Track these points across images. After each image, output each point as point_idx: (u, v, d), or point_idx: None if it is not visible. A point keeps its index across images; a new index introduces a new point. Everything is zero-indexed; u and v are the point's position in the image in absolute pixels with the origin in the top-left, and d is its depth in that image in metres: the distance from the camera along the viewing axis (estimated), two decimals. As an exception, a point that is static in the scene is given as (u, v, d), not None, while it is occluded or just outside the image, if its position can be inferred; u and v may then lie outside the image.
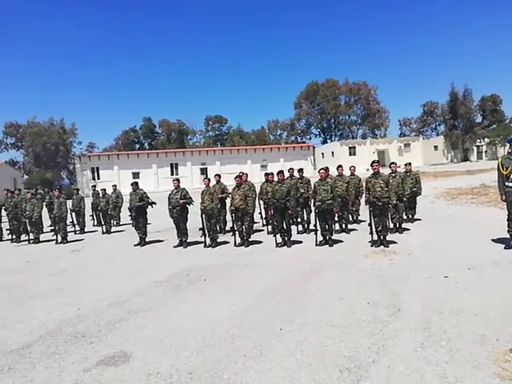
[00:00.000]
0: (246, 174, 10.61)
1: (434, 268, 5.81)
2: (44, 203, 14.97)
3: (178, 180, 9.33)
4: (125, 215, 13.93)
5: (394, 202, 7.71)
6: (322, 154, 47.69)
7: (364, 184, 8.28)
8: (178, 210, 9.10)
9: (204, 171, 43.36)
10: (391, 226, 8.54)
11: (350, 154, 43.35)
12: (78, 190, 14.67)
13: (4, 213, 12.83)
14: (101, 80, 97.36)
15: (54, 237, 11.73)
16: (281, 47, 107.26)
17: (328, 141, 63.44)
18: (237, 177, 8.80)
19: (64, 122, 50.11)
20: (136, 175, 42.09)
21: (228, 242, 9.13)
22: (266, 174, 10.16)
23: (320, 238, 8.14)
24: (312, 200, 8.48)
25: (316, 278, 5.77)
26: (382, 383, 2.97)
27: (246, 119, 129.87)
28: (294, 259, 7.09)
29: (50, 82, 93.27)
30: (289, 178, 10.25)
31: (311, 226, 9.53)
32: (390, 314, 4.23)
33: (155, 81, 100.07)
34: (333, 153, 44.89)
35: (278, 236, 8.40)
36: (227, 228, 10.22)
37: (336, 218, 9.28)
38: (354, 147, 44.51)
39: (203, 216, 8.90)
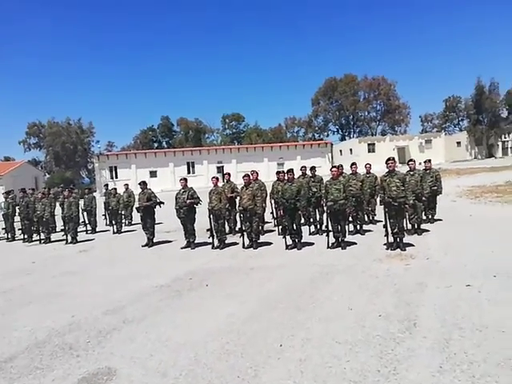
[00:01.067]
0: (257, 173, 10.26)
1: (455, 275, 5.31)
2: (58, 203, 15.01)
3: (185, 179, 9.05)
4: (137, 214, 13.76)
5: (411, 201, 7.20)
6: (340, 151, 46.81)
7: (379, 182, 7.80)
8: (185, 210, 8.81)
9: (220, 169, 43.13)
10: (409, 227, 8.02)
11: (369, 151, 42.35)
12: (90, 189, 14.63)
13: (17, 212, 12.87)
14: (121, 80, 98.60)
15: (65, 237, 11.66)
16: (298, 43, 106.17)
17: (346, 138, 62.37)
18: (245, 176, 8.44)
19: (82, 121, 50.87)
20: (153, 174, 42.29)
21: (237, 244, 8.79)
22: (278, 173, 9.79)
23: (332, 239, 7.71)
24: (324, 200, 8.04)
25: (324, 285, 5.36)
26: (390, 417, 2.56)
27: (264, 117, 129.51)
28: (303, 263, 6.68)
29: (71, 82, 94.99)
30: (300, 177, 9.84)
31: (324, 227, 9.09)
32: (405, 329, 3.80)
33: (173, 79, 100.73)
34: (351, 150, 44.00)
35: (288, 238, 8.01)
36: (237, 228, 9.90)
37: (350, 219, 8.83)
38: (373, 144, 43.48)
39: (211, 216, 8.59)
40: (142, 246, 9.70)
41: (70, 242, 11.33)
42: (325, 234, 7.94)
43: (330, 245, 7.65)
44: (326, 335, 3.79)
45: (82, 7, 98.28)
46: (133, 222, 14.65)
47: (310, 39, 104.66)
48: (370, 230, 9.20)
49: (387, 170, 7.26)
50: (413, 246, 7.22)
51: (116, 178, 42.04)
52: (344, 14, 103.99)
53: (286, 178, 8.19)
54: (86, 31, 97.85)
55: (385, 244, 7.26)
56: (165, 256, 8.47)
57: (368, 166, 10.00)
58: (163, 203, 9.84)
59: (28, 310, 5.38)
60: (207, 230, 8.70)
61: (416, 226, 8.42)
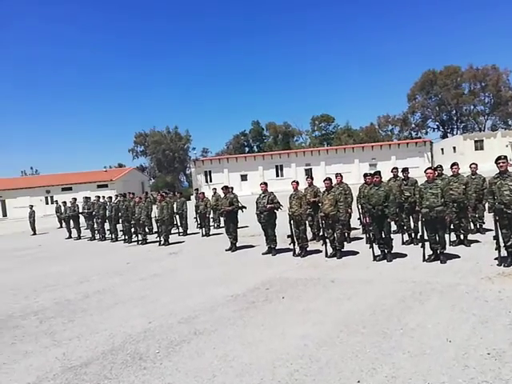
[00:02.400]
0: (341, 176, 9.61)
1: None
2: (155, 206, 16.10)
3: (265, 184, 8.84)
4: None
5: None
6: (442, 149, 42.63)
7: (488, 186, 6.61)
8: (266, 215, 8.59)
9: (309, 172, 42.55)
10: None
11: (476, 149, 37.77)
12: (181, 193, 15.40)
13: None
14: (215, 87, 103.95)
15: (158, 238, 12.36)
16: (389, 36, 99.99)
17: (448, 135, 56.70)
18: (326, 179, 7.90)
19: (178, 129, 54.66)
20: (244, 177, 43.54)
21: (320, 252, 8.28)
22: (365, 175, 9.01)
23: (429, 251, 6.75)
24: (418, 206, 7.10)
25: (417, 308, 4.59)
26: None
27: (354, 116, 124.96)
28: (393, 278, 5.91)
29: (171, 92, 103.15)
30: (391, 180, 8.93)
31: (419, 236, 8.07)
32: (523, 376, 2.96)
33: (265, 84, 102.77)
34: (454, 148, 39.75)
35: (376, 247, 7.25)
36: (321, 234, 9.36)
37: (452, 227, 7.69)
38: (482, 141, 38.66)
39: (291, 222, 8.23)
40: (226, 250, 9.75)
41: (163, 244, 11.96)
42: (420, 245, 7.00)
43: (426, 257, 6.70)
44: (415, 374, 3.14)
45: (172, 19, 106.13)
46: (221, 225, 15.01)
47: (404, 30, 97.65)
48: (476, 241, 7.92)
49: (498, 171, 6.09)
50: (534, 262, 5.93)
51: (210, 181, 44.18)
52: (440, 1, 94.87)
53: (372, 181, 7.44)
54: (178, 43, 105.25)
55: (496, 259, 6.10)
56: (246, 262, 8.34)
57: (474, 166, 8.66)
58: (245, 208, 9.78)
59: (113, 312, 5.63)
60: (288, 237, 8.36)
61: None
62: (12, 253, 13.81)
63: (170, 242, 12.16)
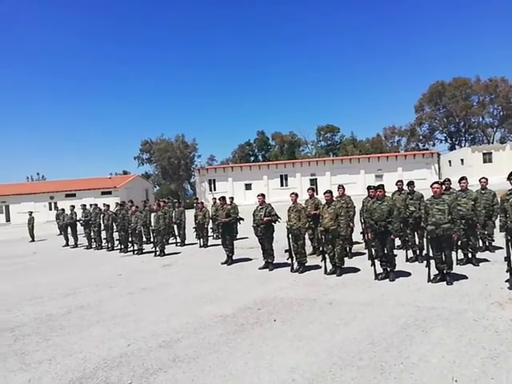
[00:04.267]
0: (343, 188, 9.21)
1: None
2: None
3: (262, 195, 8.47)
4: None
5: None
6: (449, 161, 42.02)
7: (499, 202, 6.18)
8: (263, 228, 8.20)
9: (313, 182, 42.13)
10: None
11: (485, 162, 37.14)
12: (179, 202, 15.03)
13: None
14: (223, 97, 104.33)
15: (154, 249, 12.00)
16: (397, 46, 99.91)
17: (456, 147, 56.03)
18: (326, 192, 7.51)
19: (185, 137, 54.55)
20: (248, 186, 43.18)
21: (319, 267, 7.86)
22: (369, 188, 8.63)
23: (434, 271, 6.30)
24: (424, 223, 6.67)
25: (420, 337, 4.15)
26: None
27: (360, 127, 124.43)
28: (395, 301, 5.47)
29: (178, 101, 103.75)
30: (396, 193, 8.51)
31: (424, 254, 7.62)
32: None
33: (270, 94, 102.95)
34: (462, 160, 39.15)
35: (378, 265, 6.81)
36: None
37: (459, 244, 7.24)
38: (490, 153, 38.04)
39: (289, 236, 7.83)
40: (222, 264, 9.35)
41: (158, 255, 11.60)
42: (425, 264, 6.56)
43: (431, 278, 6.26)
44: (416, 422, 2.71)
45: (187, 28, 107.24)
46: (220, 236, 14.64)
47: (412, 40, 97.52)
48: (485, 260, 7.45)
49: (511, 187, 5.66)
50: (549, 287, 5.47)
51: (214, 190, 43.89)
52: (454, 9, 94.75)
53: (375, 194, 7.04)
54: (186, 52, 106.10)
55: (507, 281, 5.65)
56: (240, 277, 7.94)
57: (483, 180, 8.23)
58: (243, 219, 9.39)
59: (93, 331, 5.25)
60: (285, 251, 7.95)
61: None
62: (5, 260, 13.52)
63: (166, 252, 11.82)
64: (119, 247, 13.37)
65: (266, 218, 8.11)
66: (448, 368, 3.44)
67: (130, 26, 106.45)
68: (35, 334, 5.28)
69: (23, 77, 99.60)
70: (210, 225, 14.13)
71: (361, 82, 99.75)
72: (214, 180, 45.69)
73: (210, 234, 13.95)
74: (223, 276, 8.19)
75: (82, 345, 4.76)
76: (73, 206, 16.56)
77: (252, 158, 68.57)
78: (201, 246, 12.85)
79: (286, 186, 42.11)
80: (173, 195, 42.17)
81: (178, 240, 13.87)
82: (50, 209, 37.60)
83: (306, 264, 7.93)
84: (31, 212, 20.30)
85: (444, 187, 6.98)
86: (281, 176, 43.60)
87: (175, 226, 14.04)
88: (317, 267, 7.97)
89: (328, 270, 7.42)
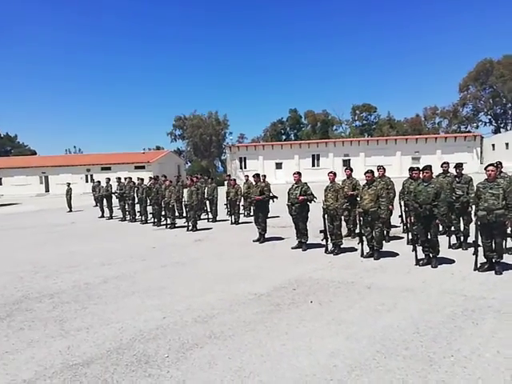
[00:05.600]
0: (384, 168, 8.80)
1: None
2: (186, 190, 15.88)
3: (298, 173, 8.19)
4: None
5: None
6: (493, 145, 39.73)
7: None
8: (298, 207, 7.97)
9: (347, 163, 41.15)
10: None
11: (533, 146, 34.90)
12: (212, 179, 15.02)
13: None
14: (254, 73, 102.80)
15: (186, 224, 12.08)
16: (444, 24, 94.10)
17: (502, 130, 52.85)
18: (367, 172, 7.14)
19: (218, 114, 54.46)
20: (279, 165, 42.80)
21: (355, 250, 7.61)
22: (411, 169, 8.20)
23: (482, 259, 5.90)
24: (473, 207, 6.23)
25: (471, 330, 3.87)
26: None
27: (398, 107, 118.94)
28: (439, 289, 5.16)
29: (213, 79, 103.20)
30: (441, 176, 8.02)
31: (469, 240, 7.19)
32: None
33: (303, 71, 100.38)
34: (507, 144, 36.92)
35: (420, 250, 6.47)
36: (357, 231, 8.66)
37: (510, 232, 6.75)
38: (539, 137, 35.63)
39: (325, 216, 7.58)
40: (254, 241, 9.26)
41: (191, 230, 11.68)
42: (472, 252, 6.16)
43: (478, 266, 5.87)
44: (473, 422, 2.49)
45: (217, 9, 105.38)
46: (251, 214, 14.55)
47: (460, 16, 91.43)
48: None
49: None
50: None
51: (245, 168, 43.76)
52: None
53: (421, 176, 6.62)
54: (219, 30, 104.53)
55: None
56: (273, 256, 7.81)
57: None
58: (276, 198, 9.19)
59: (128, 302, 5.30)
60: (320, 232, 7.72)
61: None
62: (46, 228, 14.07)
63: (198, 227, 11.86)
64: (152, 220, 13.58)
65: (301, 197, 7.87)
66: (505, 364, 3.17)
67: (163, 3, 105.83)
68: (73, 302, 5.39)
69: (63, 54, 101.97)
70: (242, 202, 14.03)
71: (401, 60, 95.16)
72: (245, 158, 45.51)
73: (241, 211, 13.89)
74: (256, 254, 8.09)
75: (118, 315, 4.80)
76: (108, 179, 16.92)
77: (283, 137, 67.68)
78: (232, 223, 12.82)
79: (318, 166, 41.42)
80: (204, 172, 42.52)
81: (210, 216, 13.91)
82: (87, 181, 38.86)
83: (342, 246, 7.68)
84: (69, 183, 20.97)
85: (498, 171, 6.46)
86: (312, 156, 42.83)
87: (207, 202, 14.06)
88: (352, 250, 7.71)
89: (365, 253, 7.15)
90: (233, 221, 12.90)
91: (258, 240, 9.24)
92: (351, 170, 9.16)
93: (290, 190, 8.21)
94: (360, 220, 7.22)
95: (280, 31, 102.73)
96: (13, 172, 40.84)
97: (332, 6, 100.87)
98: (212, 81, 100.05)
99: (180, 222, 13.09)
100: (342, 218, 8.31)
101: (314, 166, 42.02)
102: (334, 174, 7.86)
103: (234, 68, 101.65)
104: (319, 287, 5.46)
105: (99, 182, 17.91)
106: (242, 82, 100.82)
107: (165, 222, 12.86)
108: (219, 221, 13.60)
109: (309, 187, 8.03)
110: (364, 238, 7.18)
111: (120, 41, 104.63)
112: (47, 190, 40.44)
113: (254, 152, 45.36)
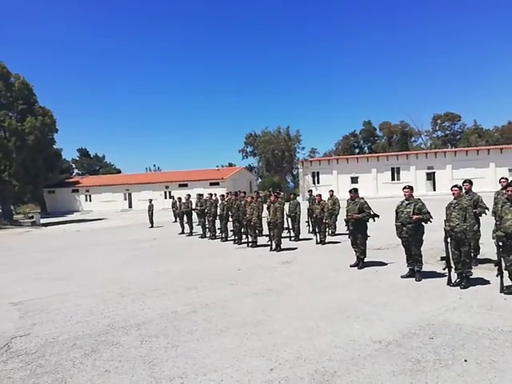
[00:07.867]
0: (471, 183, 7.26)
1: None
2: (265, 206, 15.18)
3: (410, 188, 6.89)
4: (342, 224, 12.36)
5: None
6: None
7: None
8: (410, 228, 6.66)
9: (431, 176, 37.85)
10: None
11: None
12: (295, 194, 14.12)
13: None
14: (324, 88, 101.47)
15: (270, 243, 11.26)
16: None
17: None
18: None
19: (289, 129, 53.98)
20: (354, 180, 40.67)
21: (487, 282, 6.10)
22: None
23: None
24: None
25: None
26: None
27: (485, 114, 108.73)
28: None
29: (286, 95, 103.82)
30: None
31: None
32: None
33: (374, 82, 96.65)
34: None
35: None
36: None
37: None
38: None
39: (448, 240, 6.19)
40: (351, 266, 8.08)
41: (274, 249, 10.84)
42: None
43: None
44: None
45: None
46: (337, 233, 13.34)
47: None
48: None
49: None
50: None
51: (318, 183, 42.49)
52: None
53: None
54: (295, 50, 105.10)
55: None
56: (380, 287, 6.54)
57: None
58: (378, 216, 7.94)
59: (224, 341, 4.48)
60: (442, 259, 6.33)
61: None
62: (130, 245, 14.20)
63: (282, 247, 10.97)
64: (233, 238, 13.01)
65: (415, 216, 6.57)
66: None
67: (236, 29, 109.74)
68: (162, 336, 4.73)
69: (140, 66, 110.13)
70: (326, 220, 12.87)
71: (487, 65, 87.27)
72: (318, 172, 44.11)
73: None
74: (358, 283, 6.89)
75: (214, 359, 3.99)
76: (188, 195, 16.85)
77: (357, 150, 65.09)
78: (317, 243, 11.72)
79: (398, 179, 38.51)
80: (275, 187, 41.93)
81: (292, 234, 12.96)
82: (165, 197, 40.42)
83: (471, 276, 6.20)
84: (151, 200, 21.50)
85: None
86: (392, 169, 40.07)
87: (289, 219, 13.15)
88: (483, 282, 6.20)
89: (505, 288, 5.63)
90: (318, 240, 11.80)
91: (356, 265, 8.05)
92: (471, 183, 7.66)
93: (398, 207, 6.95)
94: (499, 246, 5.72)
95: (351, 45, 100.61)
96: (101, 189, 43.99)
97: (411, 14, 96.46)
98: (282, 97, 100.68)
99: (260, 240, 12.33)
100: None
101: (393, 179, 39.24)
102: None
103: (305, 82, 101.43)
104: (466, 337, 4.16)
105: (180, 198, 17.96)
106: (312, 96, 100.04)
107: (246, 240, 12.20)
108: (302, 239, 12.60)
109: (423, 204, 6.70)
110: (503, 268, 5.66)
111: (186, 68, 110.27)
112: (130, 206, 42.78)
113: (328, 166, 43.81)
